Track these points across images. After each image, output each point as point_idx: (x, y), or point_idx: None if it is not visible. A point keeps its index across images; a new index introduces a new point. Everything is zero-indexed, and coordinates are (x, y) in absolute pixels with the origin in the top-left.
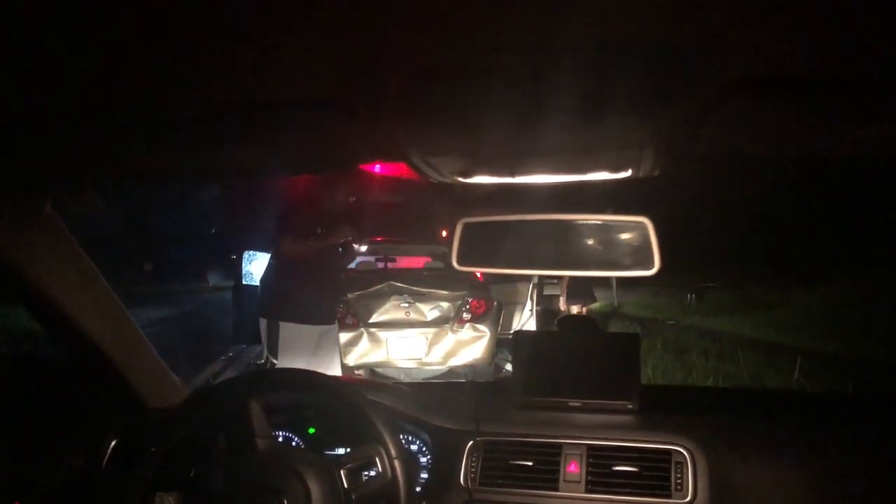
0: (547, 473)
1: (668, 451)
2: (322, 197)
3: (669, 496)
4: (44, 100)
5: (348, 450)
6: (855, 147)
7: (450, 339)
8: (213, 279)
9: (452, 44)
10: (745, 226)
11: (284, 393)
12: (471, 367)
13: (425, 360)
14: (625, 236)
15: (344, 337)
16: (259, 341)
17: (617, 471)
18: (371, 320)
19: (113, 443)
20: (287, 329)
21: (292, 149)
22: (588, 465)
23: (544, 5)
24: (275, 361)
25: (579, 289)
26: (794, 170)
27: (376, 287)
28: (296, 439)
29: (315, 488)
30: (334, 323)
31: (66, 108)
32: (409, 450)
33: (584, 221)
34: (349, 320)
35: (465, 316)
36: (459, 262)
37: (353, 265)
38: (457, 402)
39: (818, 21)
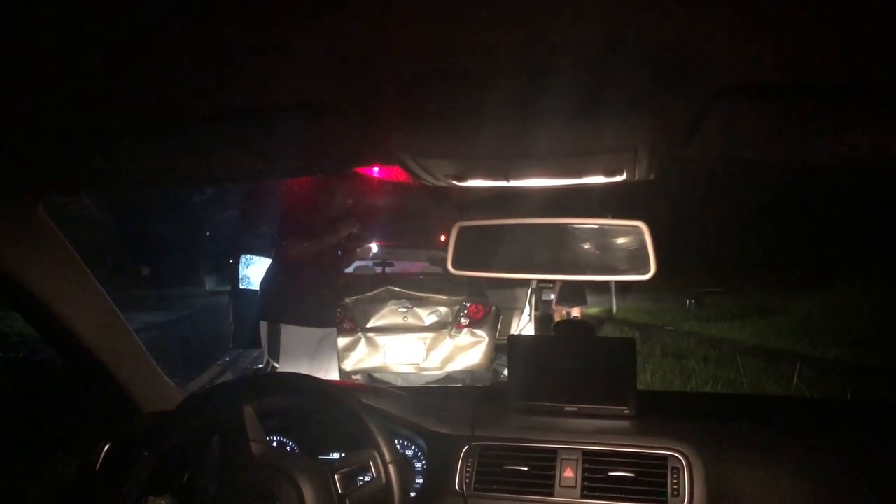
0: (542, 479)
1: (665, 457)
2: (321, 199)
3: (665, 501)
4: (38, 102)
5: (342, 455)
6: (849, 152)
7: (448, 344)
8: (210, 284)
9: (445, 46)
10: (744, 232)
11: (278, 397)
12: (469, 373)
13: (423, 365)
14: (621, 240)
15: (342, 342)
16: (257, 346)
17: (613, 476)
18: (369, 325)
19: (106, 447)
20: (288, 332)
21: (287, 152)
22: (584, 470)
23: (538, 8)
24: (276, 365)
25: (571, 292)
26: (793, 175)
27: (374, 292)
28: (290, 444)
29: (309, 493)
30: (334, 326)
31: (59, 111)
32: (403, 455)
33: (581, 225)
34: (347, 325)
35: (464, 321)
36: (455, 267)
37: (350, 269)
38: (452, 406)
39: (811, 27)
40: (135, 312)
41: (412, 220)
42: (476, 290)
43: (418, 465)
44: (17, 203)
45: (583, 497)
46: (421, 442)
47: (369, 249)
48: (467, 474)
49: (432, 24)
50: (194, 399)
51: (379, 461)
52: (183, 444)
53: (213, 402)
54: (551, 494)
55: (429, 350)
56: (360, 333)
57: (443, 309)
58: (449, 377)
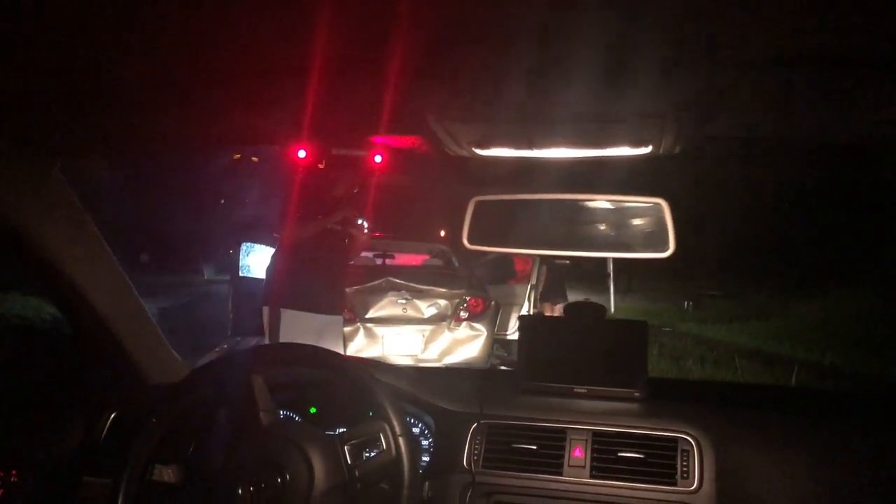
0: (551, 458)
1: (675, 439)
2: (321, 184)
3: (675, 484)
4: (55, 64)
5: (352, 427)
6: (882, 129)
7: (446, 337)
8: (208, 272)
9: (474, 6)
10: (743, 235)
11: (288, 368)
12: (466, 366)
13: (421, 357)
14: (640, 218)
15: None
16: (256, 333)
17: (622, 457)
18: (368, 316)
19: (112, 416)
20: (288, 316)
21: (312, 114)
22: (593, 450)
23: None
24: None
25: (553, 289)
26: (792, 177)
27: (374, 282)
28: (297, 418)
29: (318, 464)
30: (339, 315)
31: (76, 73)
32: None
33: (599, 202)
34: (346, 315)
35: (463, 314)
36: (470, 241)
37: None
38: (461, 385)
39: None
40: None
41: (414, 213)
42: (476, 283)
43: (424, 442)
44: (33, 162)
45: (591, 477)
46: (428, 419)
47: (369, 238)
48: (475, 452)
49: None
50: (204, 368)
51: (389, 433)
52: (191, 414)
53: (222, 372)
54: (560, 474)
55: (427, 342)
56: (358, 323)
57: (442, 302)
58: None
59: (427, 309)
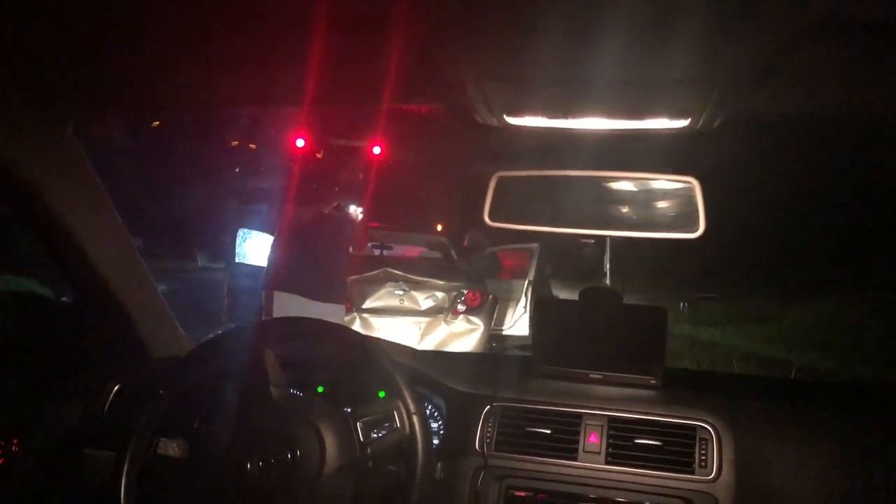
0: (566, 443)
1: (693, 427)
2: (323, 175)
3: (692, 472)
4: (69, 19)
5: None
6: None
7: (442, 329)
8: (202, 259)
9: None
10: (740, 238)
11: (299, 342)
12: None
13: (417, 348)
14: (669, 197)
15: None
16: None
17: (639, 444)
18: (365, 306)
19: (116, 388)
20: (281, 299)
21: (338, 74)
22: (609, 436)
23: None
24: None
25: (539, 284)
26: (791, 178)
27: (372, 273)
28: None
29: (330, 440)
30: (340, 304)
31: (88, 28)
32: None
33: (627, 180)
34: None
35: (460, 307)
36: (492, 218)
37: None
38: (473, 368)
39: None
40: None
41: (412, 204)
42: (475, 276)
43: (434, 425)
44: (47, 119)
45: (607, 463)
46: (438, 401)
47: (366, 226)
48: (488, 434)
49: None
50: (214, 341)
51: (403, 411)
52: (198, 387)
53: (232, 344)
54: (575, 459)
55: (423, 334)
56: (355, 313)
57: (440, 294)
58: None
59: (424, 301)
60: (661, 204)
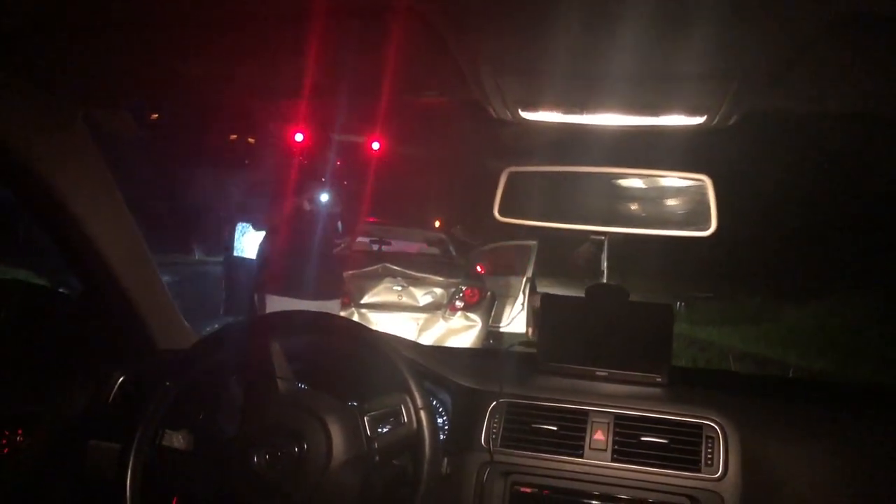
0: (571, 440)
1: (699, 425)
2: (318, 170)
3: (699, 470)
4: (82, 8)
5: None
6: None
7: (440, 325)
8: (199, 252)
9: None
10: (737, 238)
11: (306, 336)
12: None
13: None
14: (680, 195)
15: None
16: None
17: (645, 441)
18: (363, 301)
19: (121, 379)
20: (273, 302)
21: (353, 63)
22: (615, 433)
23: None
24: None
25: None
26: (790, 181)
27: (371, 268)
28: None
29: (338, 434)
30: (333, 299)
31: (98, 22)
32: None
33: (639, 176)
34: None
35: (458, 304)
36: (501, 213)
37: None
38: (479, 364)
39: None
40: None
41: (410, 201)
42: (474, 273)
43: (439, 420)
44: (57, 108)
45: (613, 461)
46: (444, 396)
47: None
48: (494, 430)
49: None
50: (220, 333)
51: (410, 406)
52: (203, 380)
53: (238, 337)
54: (581, 456)
55: (421, 330)
56: (353, 309)
57: (438, 290)
58: None
59: (423, 297)
60: (672, 201)
